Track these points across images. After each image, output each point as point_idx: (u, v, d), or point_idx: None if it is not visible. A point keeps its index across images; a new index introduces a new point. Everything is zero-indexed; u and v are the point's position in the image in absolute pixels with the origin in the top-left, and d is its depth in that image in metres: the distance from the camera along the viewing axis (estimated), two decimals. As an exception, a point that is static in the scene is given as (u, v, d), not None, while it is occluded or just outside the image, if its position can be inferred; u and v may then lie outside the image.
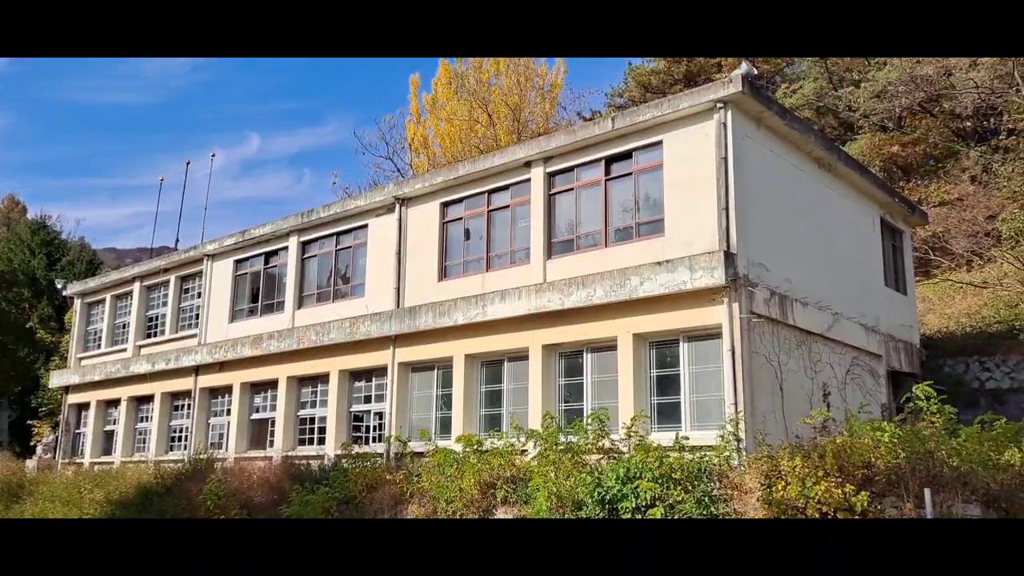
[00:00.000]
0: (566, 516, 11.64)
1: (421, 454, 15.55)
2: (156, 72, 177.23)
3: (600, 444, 12.75)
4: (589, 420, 13.03)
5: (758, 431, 12.00)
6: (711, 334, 13.15)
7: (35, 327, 35.70)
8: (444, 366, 16.84)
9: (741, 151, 13.40)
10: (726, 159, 13.17)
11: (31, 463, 26.93)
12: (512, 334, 15.40)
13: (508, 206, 16.55)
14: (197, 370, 22.30)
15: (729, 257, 12.65)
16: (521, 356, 15.45)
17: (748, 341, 12.70)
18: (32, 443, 32.23)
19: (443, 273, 17.39)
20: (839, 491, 9.98)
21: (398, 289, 17.91)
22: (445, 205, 17.64)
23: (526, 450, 13.71)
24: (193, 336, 23.14)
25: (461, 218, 17.38)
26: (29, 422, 34.09)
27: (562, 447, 12.63)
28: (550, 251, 15.53)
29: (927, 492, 9.65)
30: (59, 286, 30.74)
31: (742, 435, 11.92)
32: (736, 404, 12.33)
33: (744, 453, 11.81)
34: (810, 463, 10.40)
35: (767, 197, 13.96)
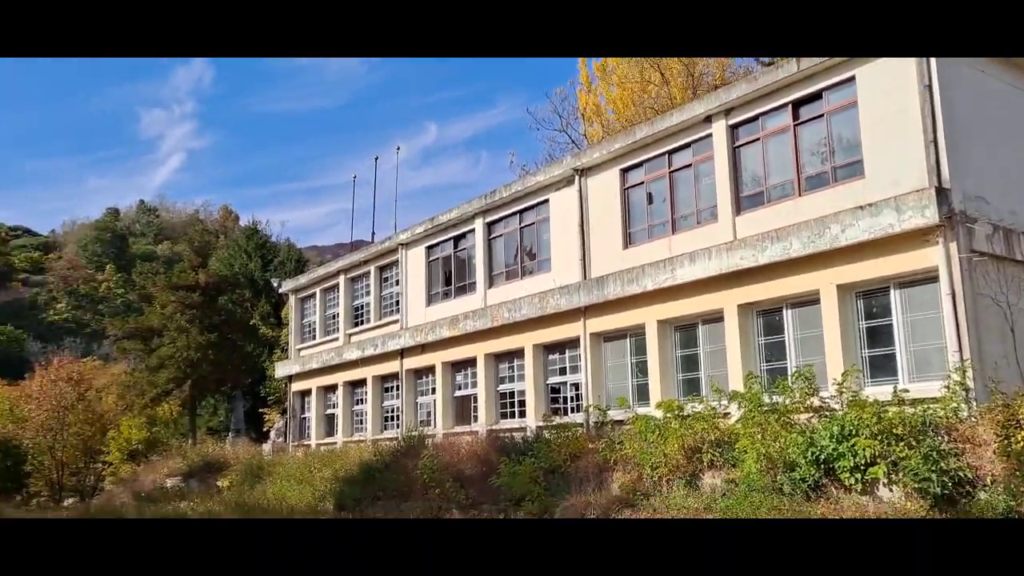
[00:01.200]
0: (777, 478, 11.26)
1: (621, 422, 15.56)
2: (337, 76, 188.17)
3: (809, 403, 12.24)
4: (794, 379, 12.51)
5: (988, 379, 11.00)
6: (926, 278, 12.16)
7: (257, 324, 39.12)
8: (636, 334, 16.72)
9: (947, 76, 12.19)
10: (930, 87, 12.05)
11: (266, 447, 29.72)
12: (704, 296, 15.02)
13: (690, 165, 16.09)
14: (402, 353, 23.57)
15: (941, 193, 11.60)
16: (716, 318, 15.03)
17: (970, 282, 11.63)
18: (265, 429, 35.59)
19: (628, 240, 17.23)
20: (1094, 440, 8.96)
21: (584, 260, 17.96)
22: (624, 171, 17.43)
23: (729, 413, 13.39)
24: (395, 321, 24.48)
25: (642, 182, 17.10)
26: (260, 410, 37.70)
27: (767, 408, 12.21)
28: (739, 207, 14.96)
29: None
30: (275, 284, 33.51)
31: (970, 384, 10.97)
32: (960, 351, 11.36)
33: (974, 403, 10.87)
34: (1056, 411, 9.40)
35: (981, 123, 12.64)
